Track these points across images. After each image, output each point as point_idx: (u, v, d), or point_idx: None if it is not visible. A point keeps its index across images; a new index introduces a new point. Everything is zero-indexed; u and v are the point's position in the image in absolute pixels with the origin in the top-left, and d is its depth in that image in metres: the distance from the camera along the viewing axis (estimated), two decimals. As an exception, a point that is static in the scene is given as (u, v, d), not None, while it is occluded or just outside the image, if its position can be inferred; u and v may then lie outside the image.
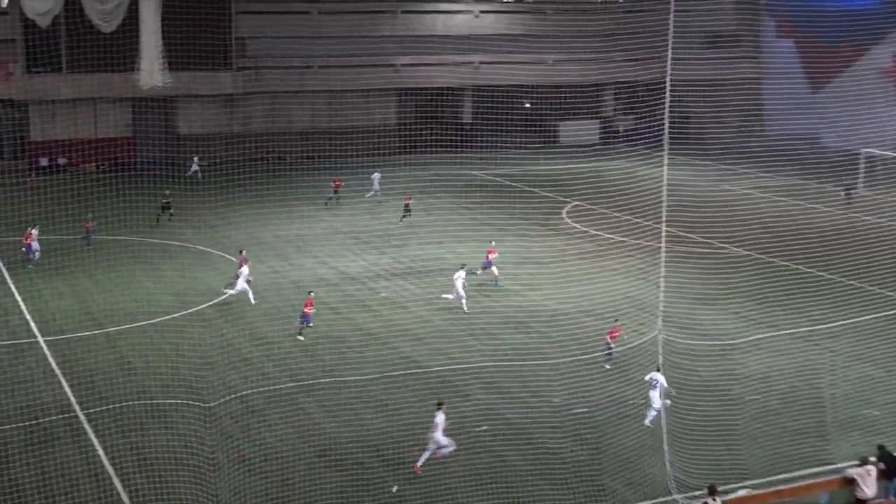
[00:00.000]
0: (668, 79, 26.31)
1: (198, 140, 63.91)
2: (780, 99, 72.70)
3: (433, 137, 62.48)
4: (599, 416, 27.88)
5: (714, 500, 20.77)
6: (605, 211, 52.58)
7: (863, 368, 32.08)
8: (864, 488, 21.96)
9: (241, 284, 38.41)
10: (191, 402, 28.05)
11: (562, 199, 57.31)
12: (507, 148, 68.69)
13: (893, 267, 41.82)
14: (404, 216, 51.85)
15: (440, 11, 75.97)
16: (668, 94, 26.20)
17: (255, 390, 29.67)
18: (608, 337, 32.41)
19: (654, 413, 27.23)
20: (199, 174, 60.17)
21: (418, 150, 62.34)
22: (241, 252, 40.49)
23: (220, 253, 45.77)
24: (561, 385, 30.17)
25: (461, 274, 38.20)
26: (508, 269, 43.43)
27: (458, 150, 64.72)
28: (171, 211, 50.67)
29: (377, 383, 30.51)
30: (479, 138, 72.42)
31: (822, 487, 23.00)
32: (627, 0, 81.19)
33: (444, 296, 38.58)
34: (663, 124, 26.23)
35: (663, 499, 23.51)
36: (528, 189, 60.43)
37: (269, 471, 24.69)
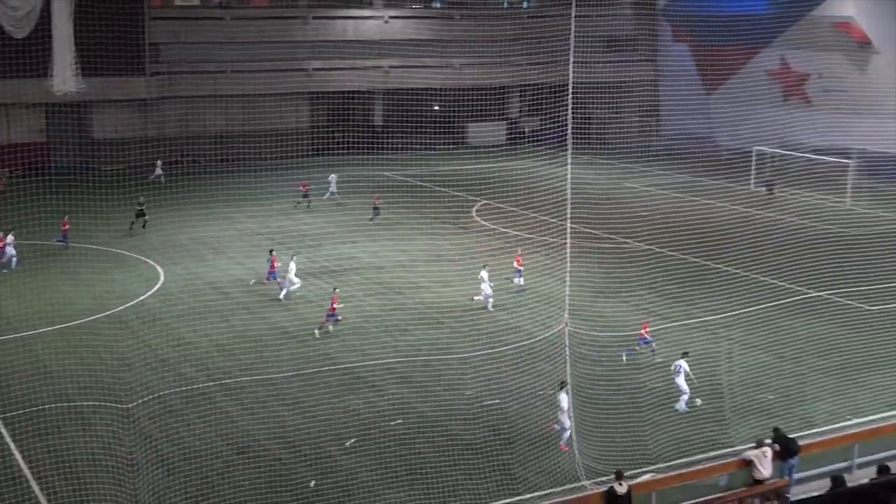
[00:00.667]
0: (570, 81, 26.46)
1: (112, 145, 62.63)
2: (676, 100, 73.74)
3: (345, 140, 62.13)
4: (511, 407, 27.97)
5: (620, 484, 20.93)
6: (513, 209, 52.80)
7: (756, 355, 32.69)
8: (761, 469, 22.32)
9: (290, 281, 38.40)
10: (109, 404, 27.44)
11: (471, 198, 57.43)
12: (417, 149, 68.61)
13: (781, 258, 42.73)
14: (373, 217, 51.74)
15: (350, 17, 75.60)
16: (570, 95, 26.35)
17: (172, 391, 29.15)
18: (643, 332, 32.65)
19: (685, 397, 28.25)
20: (163, 178, 58.94)
21: (331, 152, 61.93)
22: (270, 252, 41.10)
23: (136, 256, 44.93)
24: (473, 378, 30.22)
25: (484, 275, 37.89)
26: (421, 267, 43.39)
27: (370, 151, 64.40)
28: (146, 218, 49.22)
29: (293, 380, 30.22)
30: (390, 140, 72.21)
31: (721, 470, 23.35)
32: (531, 6, 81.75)
33: (475, 298, 37.90)
34: (566, 125, 26.38)
35: (572, 485, 23.64)
36: (438, 189, 60.43)
37: (187, 470, 24.26)
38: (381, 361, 31.99)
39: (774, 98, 68.84)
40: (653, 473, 23.87)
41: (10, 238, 43.00)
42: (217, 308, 37.26)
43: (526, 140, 67.10)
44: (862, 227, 49.09)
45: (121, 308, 37.25)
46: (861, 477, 22.23)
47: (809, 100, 69.81)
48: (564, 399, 25.52)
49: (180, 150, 64.77)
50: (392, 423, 27.22)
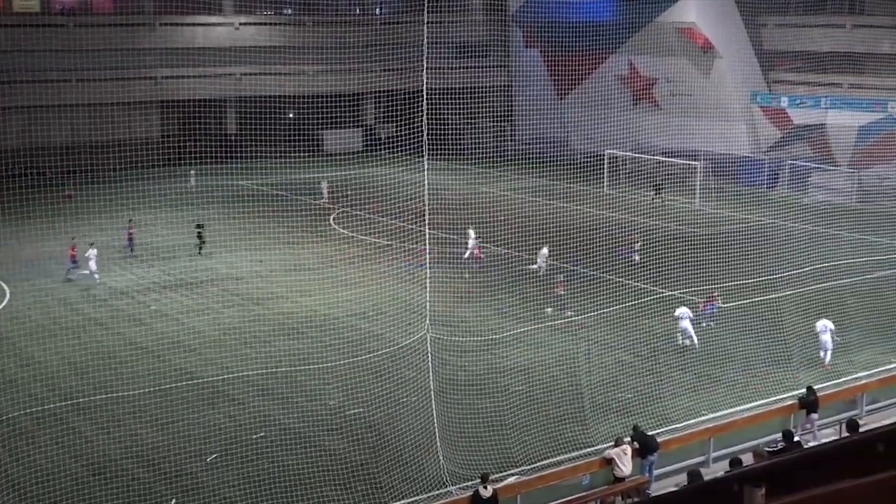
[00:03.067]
0: (424, 87, 26.61)
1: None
2: (529, 105, 74.98)
3: (198, 149, 61.06)
4: (374, 415, 27.93)
5: (486, 488, 21.12)
6: (371, 216, 52.78)
7: (616, 355, 33.42)
8: (622, 467, 22.84)
9: (90, 268, 39.08)
10: (-47, 430, 26.30)
11: (329, 206, 57.14)
12: (272, 157, 67.94)
13: (638, 259, 43.92)
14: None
15: (199, 24, 74.34)
16: (424, 101, 26.50)
17: (23, 412, 28.11)
18: (707, 303, 36.24)
19: (688, 333, 33.51)
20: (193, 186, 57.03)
21: (183, 161, 60.80)
22: (72, 238, 41.36)
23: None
24: (336, 388, 30.06)
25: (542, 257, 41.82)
26: (279, 277, 42.97)
27: (224, 160, 63.50)
28: (204, 239, 47.36)
29: (150, 397, 29.52)
30: (244, 148, 71.30)
31: (583, 469, 23.78)
32: (384, 12, 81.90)
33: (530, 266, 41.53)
34: (422, 131, 26.51)
35: (438, 491, 23.74)
36: (294, 197, 59.94)
37: (41, 493, 23.40)
38: (241, 374, 31.54)
39: (625, 102, 70.66)
40: (518, 476, 24.14)
41: (92, 252, 42.38)
42: (68, 324, 36.14)
43: (382, 146, 67.27)
44: (711, 226, 50.75)
45: (-36, 328, 35.77)
46: (717, 470, 22.97)
47: (658, 103, 71.89)
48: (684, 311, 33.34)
49: (24, 162, 62.56)
50: (254, 436, 26.86)
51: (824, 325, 32.54)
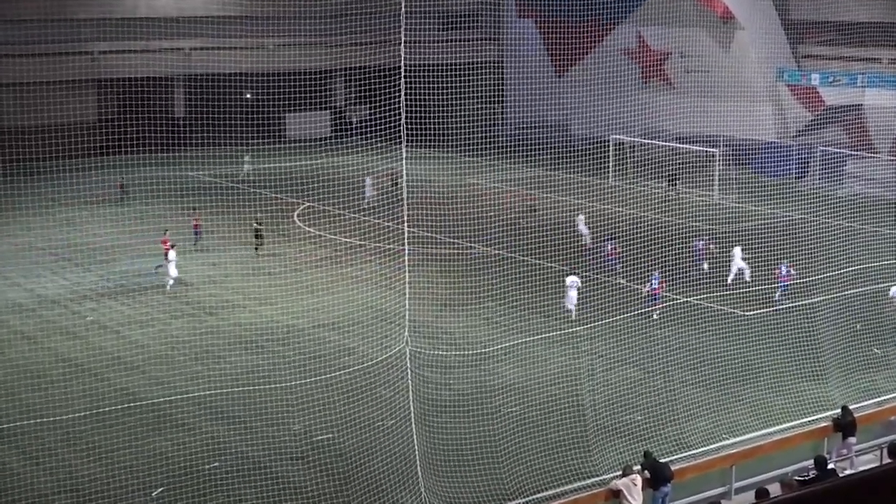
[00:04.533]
0: (402, 63, 26.61)
1: None
2: (522, 84, 75.03)
3: (141, 134, 60.85)
4: (345, 442, 27.90)
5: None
6: (341, 212, 52.73)
7: (623, 371, 33.49)
8: (631, 500, 22.82)
9: None
10: None
11: (292, 200, 57.08)
12: (227, 144, 67.78)
13: (645, 259, 43.92)
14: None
15: (142, -9, 74.21)
16: (403, 80, 26.50)
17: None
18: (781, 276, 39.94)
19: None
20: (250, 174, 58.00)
21: (124, 149, 60.62)
22: None
23: None
24: (301, 410, 30.01)
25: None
26: (235, 283, 42.91)
27: (171, 148, 63.27)
28: (263, 239, 48.07)
29: (86, 422, 29.39)
30: (194, 134, 71.08)
31: (587, 503, 23.77)
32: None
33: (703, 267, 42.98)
34: (399, 114, 26.51)
35: (419, 529, 23.73)
36: (253, 190, 59.84)
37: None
38: (191, 395, 31.46)
39: (633, 80, 70.73)
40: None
41: (172, 254, 42.75)
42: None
43: (354, 132, 67.23)
44: (731, 222, 50.87)
45: None
46: (740, 502, 23.02)
47: (671, 82, 72.07)
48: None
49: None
50: (207, 466, 26.79)
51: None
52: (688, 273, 42.10)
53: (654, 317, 38.49)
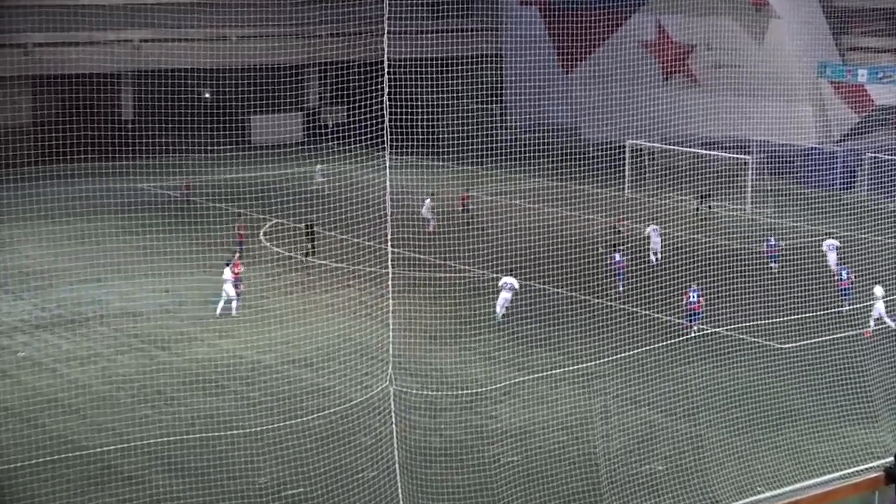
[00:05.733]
0: (385, 57, 26.65)
1: None
2: (525, 81, 75.07)
3: (83, 140, 60.83)
4: (320, 496, 27.81)
5: None
6: (315, 230, 52.67)
7: (641, 413, 33.42)
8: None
9: None
10: None
11: (258, 216, 57.06)
12: (182, 151, 67.78)
13: (667, 284, 43.92)
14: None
15: (85, -27, 74.30)
16: (386, 76, 26.55)
17: None
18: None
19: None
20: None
21: (63, 157, 60.63)
22: None
23: None
24: (268, 461, 29.94)
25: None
26: (191, 311, 42.81)
27: (118, 156, 63.28)
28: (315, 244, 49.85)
29: (18, 474, 29.30)
30: (144, 140, 71.05)
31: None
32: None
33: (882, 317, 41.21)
34: (382, 116, 26.55)
35: None
36: (212, 204, 59.81)
37: None
38: (139, 443, 31.37)
39: (652, 77, 70.89)
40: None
41: (228, 273, 43.77)
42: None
43: (330, 137, 67.27)
44: (767, 241, 50.85)
45: None
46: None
47: (696, 78, 72.21)
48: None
49: None
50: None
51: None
52: (753, 273, 43.41)
53: (693, 334, 39.45)
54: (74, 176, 59.84)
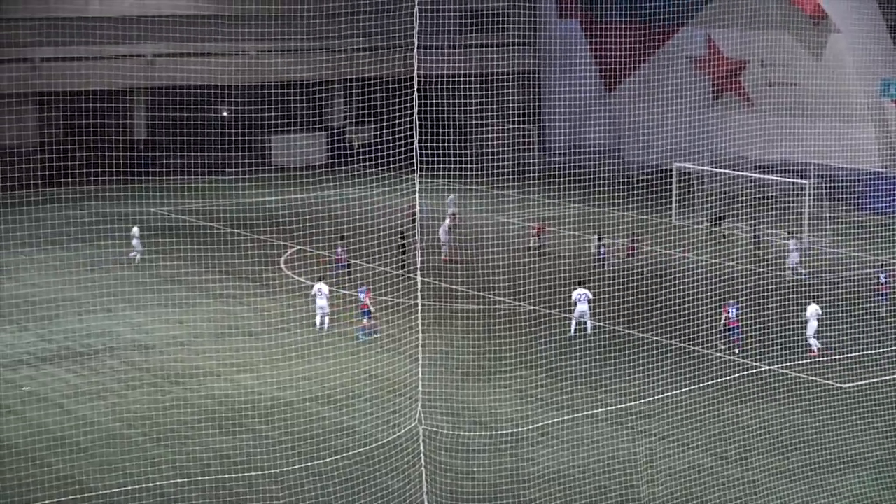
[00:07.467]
0: (416, 74, 26.74)
1: None
2: (564, 99, 75.10)
3: (92, 161, 61.20)
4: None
5: None
6: (340, 258, 52.80)
7: (689, 456, 33.29)
8: None
9: None
10: None
11: (279, 243, 57.21)
12: (197, 174, 68.13)
13: (718, 318, 43.85)
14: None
15: (96, -15, 74.85)
16: (416, 94, 26.62)
17: None
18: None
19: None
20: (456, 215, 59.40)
21: (71, 180, 61.01)
22: None
23: None
24: (288, 503, 29.97)
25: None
26: (207, 345, 42.93)
27: (130, 178, 63.66)
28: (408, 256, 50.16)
29: (22, 518, 29.49)
30: (158, 161, 71.44)
31: None
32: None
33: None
34: (412, 136, 26.61)
35: None
36: (230, 230, 60.05)
37: None
38: (151, 484, 31.42)
39: (701, 95, 70.82)
40: None
41: (323, 287, 44.98)
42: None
43: (356, 159, 67.55)
44: (825, 271, 50.67)
45: None
46: None
47: (748, 97, 72.12)
48: None
49: None
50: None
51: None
52: (865, 311, 43.75)
53: (736, 352, 40.44)
54: (83, 199, 60.27)
